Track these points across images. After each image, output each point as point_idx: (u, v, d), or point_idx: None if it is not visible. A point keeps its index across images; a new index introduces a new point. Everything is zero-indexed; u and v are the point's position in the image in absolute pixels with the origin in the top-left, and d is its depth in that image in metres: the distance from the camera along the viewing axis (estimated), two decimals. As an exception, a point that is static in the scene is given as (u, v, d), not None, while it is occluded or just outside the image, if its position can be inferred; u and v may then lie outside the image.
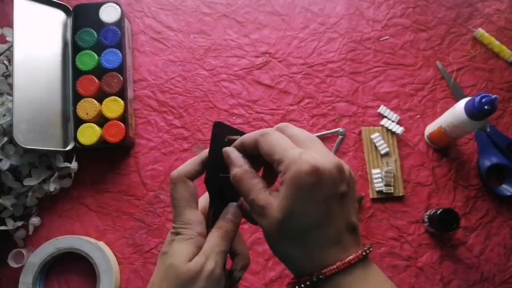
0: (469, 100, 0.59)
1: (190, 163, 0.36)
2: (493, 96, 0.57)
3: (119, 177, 0.71)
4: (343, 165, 0.31)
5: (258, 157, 0.33)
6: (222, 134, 0.36)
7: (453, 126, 0.63)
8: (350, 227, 0.31)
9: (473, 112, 0.58)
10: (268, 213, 0.31)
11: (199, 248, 0.34)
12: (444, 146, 0.71)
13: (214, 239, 0.34)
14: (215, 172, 0.36)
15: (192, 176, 0.36)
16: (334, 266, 0.30)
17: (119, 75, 0.70)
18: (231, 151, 0.34)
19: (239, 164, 0.34)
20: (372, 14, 0.78)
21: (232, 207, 0.36)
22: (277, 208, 0.30)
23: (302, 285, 0.30)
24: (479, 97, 0.57)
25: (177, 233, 0.34)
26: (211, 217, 0.36)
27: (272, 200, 0.31)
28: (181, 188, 0.35)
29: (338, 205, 0.30)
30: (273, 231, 0.31)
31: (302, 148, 0.31)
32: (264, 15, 0.78)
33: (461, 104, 0.61)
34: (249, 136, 0.34)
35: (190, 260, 0.33)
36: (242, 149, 0.34)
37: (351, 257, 0.30)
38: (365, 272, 0.31)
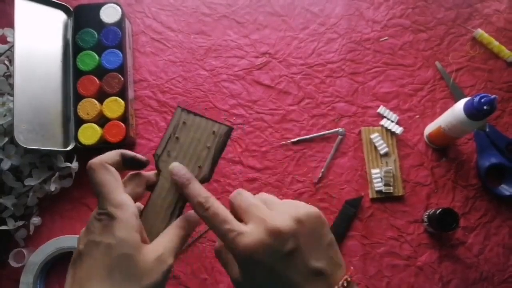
0: (468, 100, 0.60)
1: (109, 153, 0.36)
2: (492, 96, 0.57)
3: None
4: (279, 227, 0.30)
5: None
6: (174, 121, 0.38)
7: (452, 126, 0.63)
8: (313, 273, 0.31)
9: (472, 112, 0.59)
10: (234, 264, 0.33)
11: (141, 233, 0.32)
12: (443, 146, 0.71)
13: (175, 238, 0.34)
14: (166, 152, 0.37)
15: (112, 164, 0.35)
16: None
17: (120, 76, 0.70)
18: (192, 180, 0.35)
19: (204, 190, 0.34)
20: (371, 15, 0.78)
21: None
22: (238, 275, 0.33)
23: None
24: (478, 97, 0.58)
25: (111, 217, 0.31)
26: (152, 199, 0.36)
27: (243, 229, 0.31)
28: (102, 173, 0.34)
29: (284, 264, 0.31)
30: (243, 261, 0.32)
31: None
32: (264, 15, 0.78)
33: (460, 104, 0.61)
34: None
35: (141, 248, 0.31)
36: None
37: None
38: None
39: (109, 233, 0.31)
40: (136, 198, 0.36)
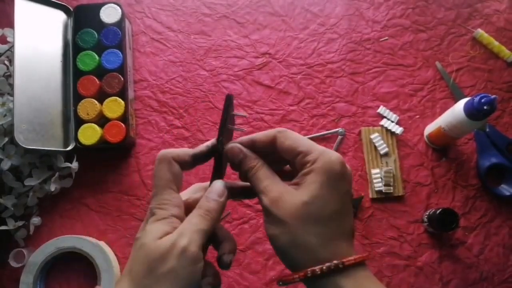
0: (468, 100, 0.60)
1: (182, 150, 0.37)
2: (492, 97, 0.57)
3: (119, 177, 0.71)
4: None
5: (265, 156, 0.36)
6: (230, 109, 0.37)
7: (452, 126, 0.63)
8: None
9: (472, 112, 0.59)
10: (287, 200, 0.32)
11: (174, 228, 0.32)
12: (443, 146, 0.71)
13: (192, 217, 0.33)
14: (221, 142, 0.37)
15: (180, 162, 0.36)
16: (352, 258, 0.30)
17: (120, 76, 0.70)
18: (242, 147, 0.36)
19: (254, 157, 0.35)
20: (371, 15, 0.78)
21: (217, 185, 0.37)
22: (301, 193, 0.31)
23: (318, 271, 0.30)
24: (478, 97, 0.58)
25: (152, 214, 0.33)
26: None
27: (289, 189, 0.32)
28: (165, 167, 0.35)
29: (350, 201, 0.33)
30: (291, 217, 0.31)
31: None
32: (264, 16, 0.78)
33: (461, 104, 0.61)
34: (263, 134, 0.36)
35: (159, 238, 0.31)
36: (252, 146, 0.36)
37: (364, 254, 0.31)
38: (369, 274, 0.31)
39: (144, 228, 0.32)
40: (193, 204, 0.36)
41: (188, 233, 0.31)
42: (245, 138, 0.36)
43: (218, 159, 0.37)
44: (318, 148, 0.32)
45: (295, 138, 0.33)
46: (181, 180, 0.36)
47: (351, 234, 0.32)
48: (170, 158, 0.35)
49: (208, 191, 0.36)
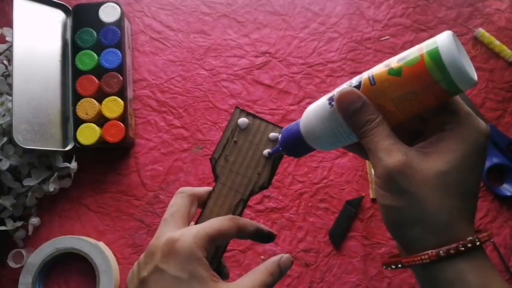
0: None
1: (204, 189, 0.37)
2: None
3: (118, 177, 0.71)
4: None
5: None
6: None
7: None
8: None
9: None
10: (416, 166, 0.26)
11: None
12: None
13: (259, 284, 0.32)
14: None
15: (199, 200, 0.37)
16: (485, 234, 0.27)
17: (119, 75, 0.70)
18: (360, 93, 0.29)
19: (374, 108, 0.28)
20: (372, 14, 0.78)
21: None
22: (436, 161, 0.26)
23: (453, 251, 0.26)
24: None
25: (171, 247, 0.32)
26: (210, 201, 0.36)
27: (417, 153, 0.27)
28: (188, 204, 0.36)
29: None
30: (422, 187, 0.26)
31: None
32: (264, 15, 0.78)
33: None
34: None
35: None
36: None
37: (487, 232, 0.28)
38: (489, 260, 0.28)
39: (175, 265, 0.31)
40: (190, 219, 0.36)
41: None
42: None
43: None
44: (465, 109, 0.27)
45: (462, 103, 0.28)
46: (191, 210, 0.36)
47: (475, 215, 0.28)
48: (194, 198, 0.36)
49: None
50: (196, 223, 0.36)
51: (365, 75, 0.29)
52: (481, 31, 0.76)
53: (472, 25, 0.77)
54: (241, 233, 0.34)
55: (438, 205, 0.26)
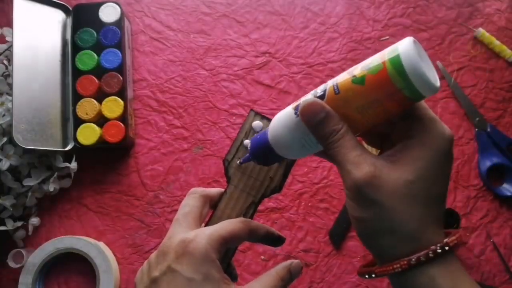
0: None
1: (215, 190, 0.37)
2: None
3: (118, 177, 0.71)
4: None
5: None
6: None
7: None
8: None
9: None
10: (384, 177, 0.26)
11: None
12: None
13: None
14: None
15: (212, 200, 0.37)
16: (454, 238, 0.27)
17: (119, 75, 0.70)
18: (324, 103, 0.28)
19: (338, 118, 0.28)
20: (372, 14, 0.78)
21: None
22: (403, 170, 0.26)
23: (423, 258, 0.26)
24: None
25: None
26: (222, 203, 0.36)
27: (384, 163, 0.27)
28: (200, 204, 0.36)
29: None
30: (390, 198, 0.26)
31: None
32: (264, 14, 0.78)
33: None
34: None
35: None
36: None
37: (457, 234, 0.28)
38: (460, 264, 0.28)
39: (188, 266, 0.31)
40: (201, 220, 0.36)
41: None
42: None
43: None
44: (429, 114, 0.27)
45: (426, 109, 0.28)
46: (203, 211, 0.36)
47: (441, 221, 0.28)
48: (207, 199, 0.36)
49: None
50: (207, 224, 0.36)
51: (330, 84, 0.29)
52: (481, 31, 0.76)
53: (472, 25, 0.77)
54: (252, 236, 0.34)
55: (406, 214, 0.26)
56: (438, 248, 0.26)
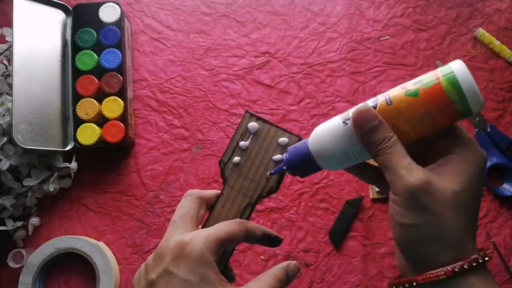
0: None
1: (211, 192, 0.37)
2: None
3: (118, 177, 0.71)
4: None
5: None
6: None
7: None
8: None
9: None
10: (435, 185, 0.28)
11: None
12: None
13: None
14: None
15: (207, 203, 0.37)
16: (490, 250, 0.29)
17: (119, 75, 0.70)
18: (376, 111, 0.30)
19: (389, 127, 0.30)
20: (372, 14, 0.78)
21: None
22: (451, 181, 0.28)
23: (467, 267, 0.28)
24: None
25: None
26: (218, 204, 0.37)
27: (436, 177, 0.29)
28: (196, 206, 0.36)
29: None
30: (442, 206, 0.28)
31: None
32: (264, 15, 0.78)
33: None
34: None
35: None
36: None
37: (490, 250, 0.30)
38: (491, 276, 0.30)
39: (185, 268, 0.31)
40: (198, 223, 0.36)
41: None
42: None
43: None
44: (468, 135, 0.30)
45: (462, 130, 0.31)
46: (199, 213, 0.37)
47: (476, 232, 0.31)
48: (203, 201, 0.36)
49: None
50: (204, 226, 0.36)
51: (381, 97, 0.31)
52: (481, 31, 0.76)
53: (472, 25, 0.77)
54: (249, 237, 0.35)
55: (455, 223, 0.28)
56: (479, 258, 0.28)
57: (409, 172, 0.28)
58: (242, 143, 0.37)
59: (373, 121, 0.29)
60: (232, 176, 0.36)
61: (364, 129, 0.30)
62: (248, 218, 0.36)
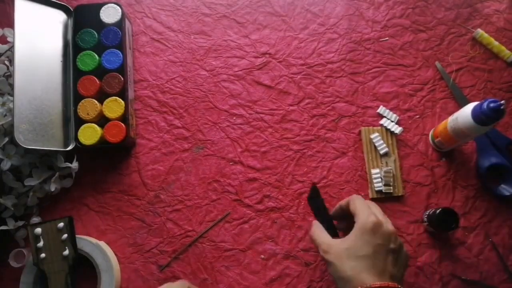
0: (476, 105, 0.59)
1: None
2: (501, 101, 0.56)
3: (119, 177, 0.71)
4: (395, 232, 0.52)
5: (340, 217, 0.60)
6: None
7: (459, 131, 0.62)
8: (390, 273, 0.49)
9: (480, 117, 0.58)
10: (335, 247, 0.51)
11: None
12: (449, 150, 0.70)
13: None
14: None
15: None
16: (379, 284, 0.46)
17: (120, 76, 0.70)
18: (315, 223, 0.58)
19: (316, 226, 0.58)
20: (371, 15, 0.78)
21: None
22: (344, 242, 0.51)
23: None
24: (486, 102, 0.57)
25: None
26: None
27: (336, 242, 0.52)
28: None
29: (386, 251, 0.50)
30: (339, 257, 0.50)
31: (372, 211, 0.53)
32: (264, 15, 0.78)
33: (468, 108, 0.60)
34: (345, 201, 0.57)
35: None
36: (339, 210, 0.59)
37: (381, 283, 0.47)
38: None
39: None
40: None
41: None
42: (337, 205, 0.59)
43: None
44: (363, 212, 0.52)
45: (355, 204, 0.54)
46: None
47: (383, 271, 0.48)
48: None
49: None
50: None
51: None
52: (480, 31, 0.76)
53: (471, 25, 0.78)
54: None
55: (343, 267, 0.49)
56: (364, 286, 0.47)
57: (321, 240, 0.54)
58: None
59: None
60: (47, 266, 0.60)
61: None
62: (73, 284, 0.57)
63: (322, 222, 0.58)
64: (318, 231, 0.55)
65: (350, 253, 0.49)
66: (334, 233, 0.58)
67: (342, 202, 0.57)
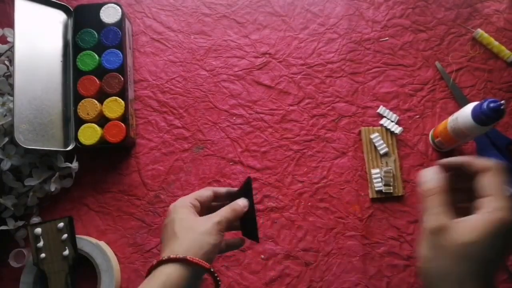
0: (476, 105, 0.59)
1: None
2: (501, 101, 0.56)
3: (119, 177, 0.71)
4: None
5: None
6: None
7: (459, 131, 0.63)
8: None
9: (480, 117, 0.58)
10: (451, 232, 0.34)
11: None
12: (449, 150, 0.71)
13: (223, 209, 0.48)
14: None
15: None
16: None
17: (120, 76, 0.70)
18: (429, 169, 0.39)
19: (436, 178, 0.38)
20: (371, 15, 0.78)
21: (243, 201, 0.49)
22: (464, 233, 0.33)
23: None
24: (486, 102, 0.57)
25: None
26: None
27: (454, 225, 0.34)
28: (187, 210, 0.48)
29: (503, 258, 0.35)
30: (452, 249, 0.34)
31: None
32: (264, 15, 0.78)
33: (468, 108, 0.60)
34: (473, 160, 0.37)
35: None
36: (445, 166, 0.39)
37: None
38: None
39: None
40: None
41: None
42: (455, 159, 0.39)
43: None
44: (500, 201, 0.34)
45: (496, 182, 0.35)
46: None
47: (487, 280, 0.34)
48: (188, 205, 0.48)
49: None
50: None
51: None
52: (480, 31, 0.76)
53: (471, 25, 0.78)
54: (217, 195, 0.50)
55: (455, 267, 0.34)
56: None
57: (433, 217, 0.35)
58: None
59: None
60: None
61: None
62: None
63: (246, 220, 0.49)
64: (437, 201, 0.37)
65: (467, 253, 0.33)
66: (252, 236, 0.49)
67: (470, 161, 0.37)
